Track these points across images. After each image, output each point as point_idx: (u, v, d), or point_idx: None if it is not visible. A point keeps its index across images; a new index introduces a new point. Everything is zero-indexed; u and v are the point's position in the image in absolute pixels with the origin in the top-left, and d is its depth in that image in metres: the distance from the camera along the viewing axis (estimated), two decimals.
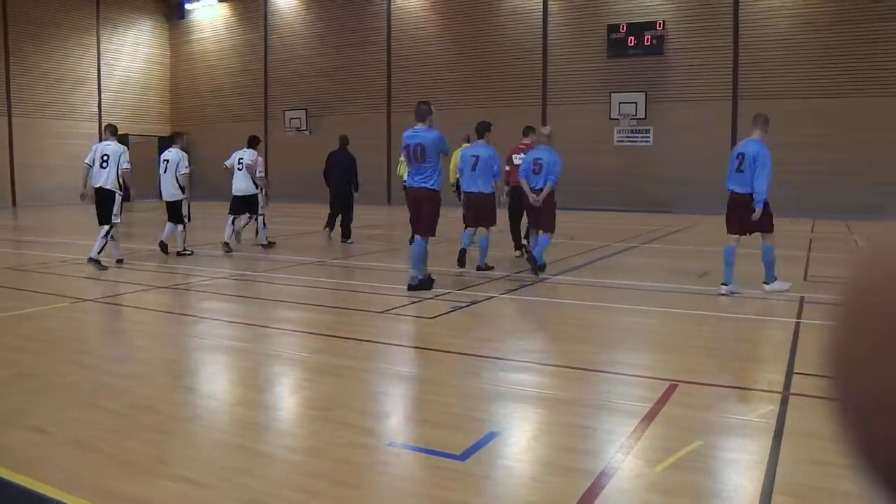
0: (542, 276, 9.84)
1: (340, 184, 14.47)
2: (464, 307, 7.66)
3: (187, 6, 36.29)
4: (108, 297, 8.28)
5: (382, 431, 4.12)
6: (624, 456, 3.65)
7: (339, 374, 5.26)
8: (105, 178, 11.21)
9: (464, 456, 3.62)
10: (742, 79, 24.82)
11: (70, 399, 4.58)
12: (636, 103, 25.85)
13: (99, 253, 10.80)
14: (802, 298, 8.24)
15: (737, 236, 8.75)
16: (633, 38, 25.88)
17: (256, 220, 13.81)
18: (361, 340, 6.27)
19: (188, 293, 8.87)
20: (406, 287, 8.58)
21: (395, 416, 4.43)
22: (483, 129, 10.58)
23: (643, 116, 25.81)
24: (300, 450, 3.86)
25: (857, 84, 23.11)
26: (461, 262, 10.00)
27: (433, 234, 8.79)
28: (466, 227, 10.43)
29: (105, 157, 11.32)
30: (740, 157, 8.45)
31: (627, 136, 25.99)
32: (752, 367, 5.55)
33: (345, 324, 7.07)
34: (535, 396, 4.76)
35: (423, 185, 8.63)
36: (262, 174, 13.78)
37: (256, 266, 11.18)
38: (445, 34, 30.07)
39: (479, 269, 10.25)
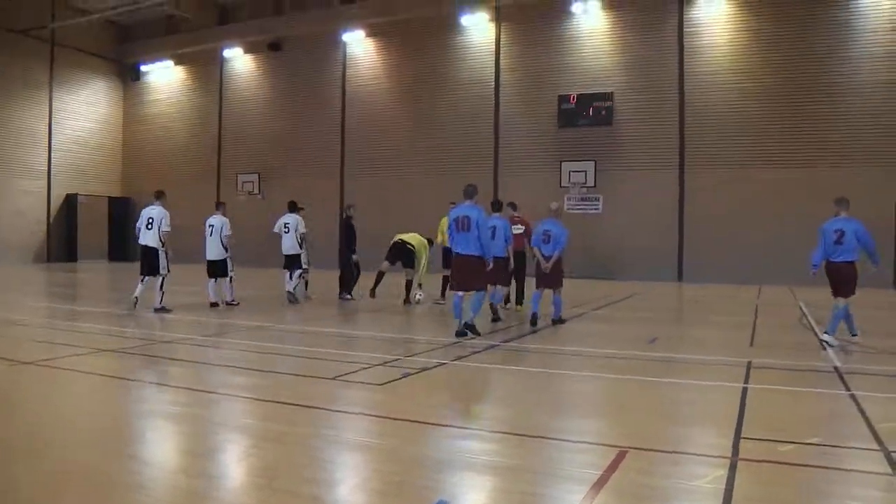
0: (494, 342, 9.85)
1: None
2: (414, 373, 7.60)
3: (143, 68, 36.35)
4: (48, 359, 8.03)
5: (330, 500, 4.03)
6: None
7: (286, 441, 5.15)
8: (150, 238, 13.29)
9: None
10: (688, 149, 25.54)
11: (4, 461, 4.40)
12: (586, 171, 26.40)
13: (161, 302, 13.05)
14: (749, 363, 8.35)
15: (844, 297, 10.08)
16: (582, 108, 26.53)
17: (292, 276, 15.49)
18: (309, 407, 6.16)
19: (132, 357, 8.66)
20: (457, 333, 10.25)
21: (343, 485, 4.34)
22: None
23: (593, 185, 26.32)
24: None
25: (803, 155, 23.95)
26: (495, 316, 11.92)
27: (483, 288, 10.58)
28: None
29: (150, 220, 13.39)
30: (839, 233, 10.11)
31: (577, 204, 26.42)
32: (700, 432, 5.58)
33: (292, 390, 6.96)
34: (484, 464, 4.71)
35: (469, 252, 10.22)
36: (304, 233, 15.68)
37: (204, 330, 10.98)
38: (399, 102, 30.52)
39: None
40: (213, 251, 15.00)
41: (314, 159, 31.98)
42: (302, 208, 16.31)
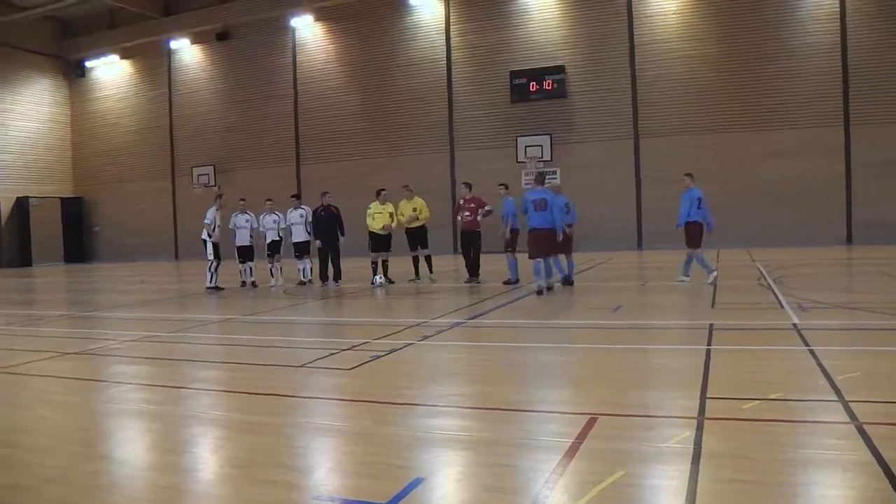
0: (459, 320, 9.93)
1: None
2: (382, 356, 7.63)
3: (87, 64, 35.58)
4: (10, 366, 7.91)
5: (307, 485, 4.05)
6: (549, 492, 3.68)
7: (259, 431, 5.15)
8: (202, 231, 16.77)
9: (391, 503, 3.59)
10: (642, 118, 25.78)
11: None
12: (542, 146, 26.52)
13: (212, 282, 16.42)
14: (711, 325, 8.52)
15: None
16: (534, 83, 26.60)
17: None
18: (280, 395, 6.16)
19: (96, 358, 8.56)
20: (538, 292, 12.66)
21: (319, 470, 4.36)
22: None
23: (549, 158, 26.46)
24: None
25: (753, 119, 24.31)
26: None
27: (554, 254, 13.18)
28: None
29: (204, 216, 16.75)
30: (700, 199, 13.48)
31: (532, 179, 26.49)
32: (667, 395, 5.69)
33: (261, 380, 6.94)
34: (457, 440, 4.76)
35: (545, 225, 12.65)
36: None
37: (167, 326, 10.88)
38: (351, 85, 30.35)
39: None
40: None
41: (269, 147, 31.70)
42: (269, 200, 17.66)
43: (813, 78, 23.75)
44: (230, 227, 17.03)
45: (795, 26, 24.00)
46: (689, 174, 13.86)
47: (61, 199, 35.21)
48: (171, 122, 34.08)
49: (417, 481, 3.91)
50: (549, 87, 26.53)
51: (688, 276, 13.58)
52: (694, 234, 13.39)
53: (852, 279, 15.30)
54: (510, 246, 14.67)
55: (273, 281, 16.85)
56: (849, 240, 23.56)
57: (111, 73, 35.49)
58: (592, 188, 25.65)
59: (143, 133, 34.70)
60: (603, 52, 26.30)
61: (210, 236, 16.59)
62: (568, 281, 13.97)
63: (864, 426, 4.47)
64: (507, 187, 15.09)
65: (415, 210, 15.80)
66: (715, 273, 13.18)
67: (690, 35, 25.22)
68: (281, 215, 17.07)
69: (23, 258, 33.15)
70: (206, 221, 16.69)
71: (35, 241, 33.52)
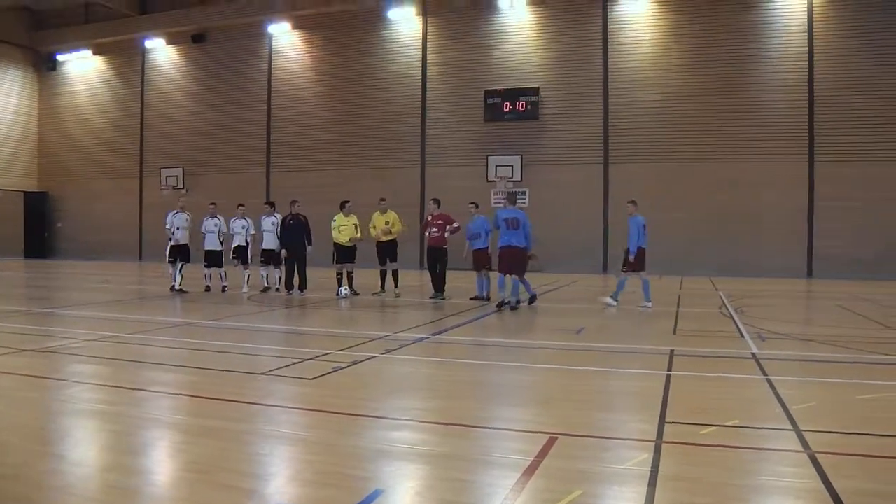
0: (423, 335, 9.95)
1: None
2: (345, 367, 7.62)
3: (59, 57, 35.14)
4: None
5: (266, 493, 4.04)
6: None
7: (218, 436, 5.12)
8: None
9: None
10: (612, 143, 26.08)
11: None
12: (512, 166, 26.68)
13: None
14: (672, 351, 8.63)
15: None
16: (508, 103, 26.80)
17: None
18: (240, 402, 6.12)
19: (54, 356, 8.44)
20: (498, 305, 13.46)
21: (278, 478, 4.35)
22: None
23: (519, 178, 26.64)
24: None
25: (721, 150, 24.73)
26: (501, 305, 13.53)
27: (523, 273, 13.53)
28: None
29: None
30: (645, 227, 14.12)
31: (504, 198, 26.66)
32: (626, 418, 5.76)
33: (222, 385, 6.90)
34: (417, 453, 4.78)
35: (516, 244, 13.24)
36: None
37: (128, 328, 10.75)
38: (326, 95, 30.34)
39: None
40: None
41: (240, 153, 31.50)
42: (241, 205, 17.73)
43: (780, 112, 24.26)
44: (200, 230, 16.93)
45: (765, 62, 24.52)
46: (632, 201, 14.39)
47: (25, 192, 34.65)
48: (141, 121, 33.76)
49: (377, 493, 3.92)
50: (523, 109, 26.75)
51: (650, 301, 13.86)
52: (642, 259, 13.90)
53: (811, 311, 15.59)
54: (484, 264, 14.80)
55: (245, 286, 16.65)
56: (809, 272, 24.01)
57: (83, 68, 35.08)
58: (561, 210, 25.86)
59: (113, 131, 34.30)
60: (577, 77, 26.61)
61: (170, 239, 16.84)
62: (530, 300, 14.06)
63: (817, 455, 4.57)
64: (477, 206, 15.23)
65: (387, 223, 15.79)
66: (650, 305, 13.81)
67: (663, 65, 25.63)
68: (250, 221, 16.99)
69: None
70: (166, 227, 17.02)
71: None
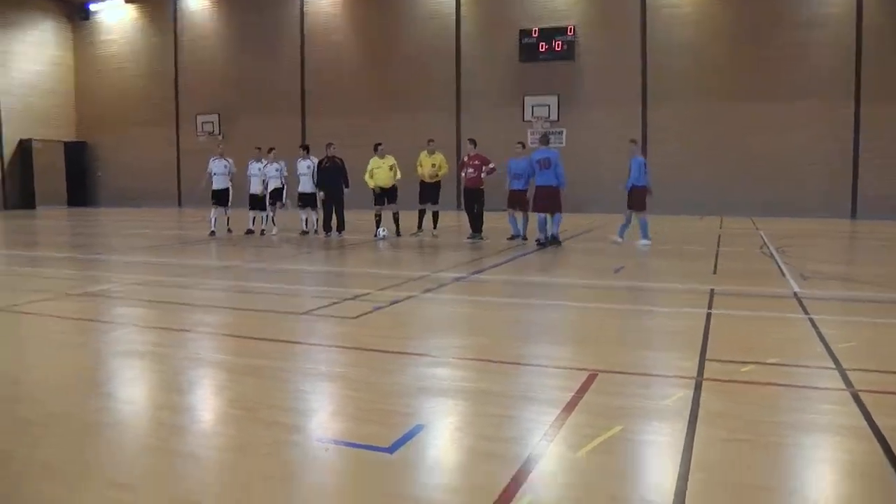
0: (462, 274, 9.99)
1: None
2: (385, 307, 7.69)
3: (91, 7, 35.12)
4: (14, 305, 7.97)
5: (309, 428, 4.12)
6: (547, 443, 3.75)
7: (262, 374, 5.22)
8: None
9: (392, 448, 3.66)
10: (650, 83, 25.56)
11: None
12: (549, 106, 26.32)
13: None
14: (712, 290, 8.57)
15: None
16: (544, 42, 26.31)
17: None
18: (283, 341, 6.22)
19: (100, 300, 8.63)
20: (538, 243, 13.82)
21: (322, 414, 4.42)
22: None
23: (556, 119, 26.30)
24: (227, 449, 3.82)
25: (762, 88, 24.08)
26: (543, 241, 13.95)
27: (558, 212, 13.85)
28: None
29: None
30: (646, 165, 14.60)
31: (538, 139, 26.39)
32: (666, 355, 5.75)
33: (264, 326, 7.01)
34: (458, 390, 4.82)
35: (549, 183, 13.70)
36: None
37: (168, 271, 10.92)
38: (359, 38, 30.03)
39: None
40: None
41: (275, 98, 31.43)
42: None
43: (826, 48, 23.48)
44: (247, 174, 17.13)
45: None
46: (633, 140, 15.20)
47: (64, 142, 35.05)
48: (176, 68, 33.74)
49: (418, 428, 3.98)
50: (559, 49, 26.25)
51: (623, 238, 14.49)
52: (641, 199, 14.26)
53: (854, 252, 15.31)
54: (518, 204, 14.88)
55: (276, 229, 16.92)
56: (853, 213, 23.53)
57: (116, 17, 35.03)
58: (598, 150, 25.51)
59: (148, 79, 34.35)
60: (614, 16, 25.96)
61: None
62: (555, 239, 14.09)
63: (859, 393, 4.53)
64: (524, 146, 15.42)
65: (433, 166, 15.75)
66: (649, 242, 14.01)
67: (702, 0, 24.89)
68: (284, 164, 17.07)
69: (26, 201, 33.05)
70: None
71: (38, 184, 33.33)
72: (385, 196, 15.90)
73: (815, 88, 23.48)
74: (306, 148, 17.24)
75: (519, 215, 15.03)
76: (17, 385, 5.02)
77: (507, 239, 14.86)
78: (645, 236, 14.07)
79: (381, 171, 15.72)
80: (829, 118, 23.37)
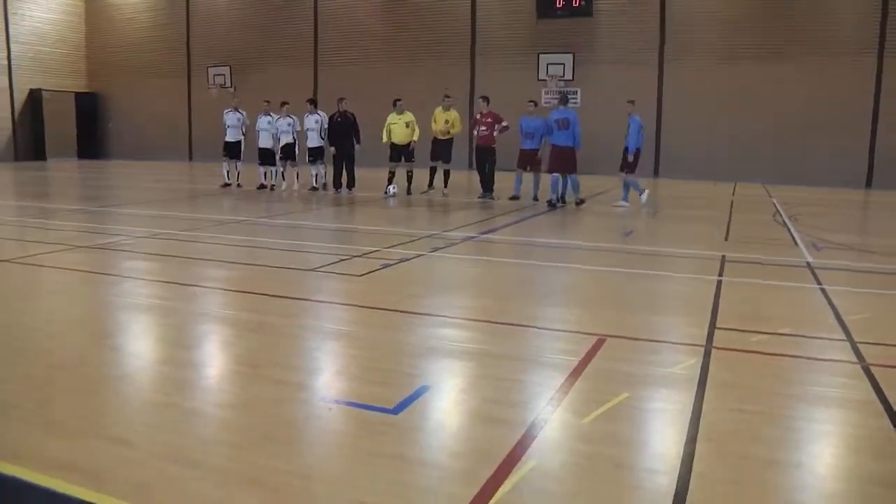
0: (471, 234, 9.93)
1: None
2: (393, 265, 7.65)
3: None
4: (22, 256, 7.97)
5: (314, 387, 4.10)
6: (553, 408, 3.72)
7: (268, 331, 5.20)
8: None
9: (396, 409, 3.64)
10: (668, 42, 25.16)
11: None
12: (564, 64, 25.97)
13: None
14: (724, 257, 8.48)
15: None
16: None
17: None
18: (289, 298, 6.20)
19: (108, 252, 8.62)
20: (549, 204, 13.82)
21: (326, 372, 4.41)
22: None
23: (571, 78, 25.96)
24: (231, 406, 3.81)
25: (781, 49, 23.63)
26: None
27: (572, 172, 13.96)
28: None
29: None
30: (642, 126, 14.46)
31: (555, 97, 26.10)
32: (676, 322, 5.70)
33: (272, 281, 6.98)
34: (464, 351, 4.79)
35: (566, 143, 13.62)
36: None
37: (179, 225, 10.90)
38: None
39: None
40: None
41: (287, 50, 31.12)
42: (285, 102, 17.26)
43: (848, 7, 22.90)
44: (255, 128, 17.02)
45: None
46: (631, 101, 14.85)
47: (75, 93, 34.84)
48: (187, 19, 33.37)
49: (423, 389, 3.96)
50: (577, 5, 25.81)
51: (628, 200, 14.40)
52: (636, 161, 14.24)
53: (869, 221, 15.14)
54: (529, 164, 14.85)
55: (285, 184, 16.85)
56: (868, 183, 23.20)
57: None
58: (613, 111, 25.14)
59: (160, 29, 34.01)
60: None
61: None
62: (578, 200, 14.25)
63: (870, 367, 4.47)
64: (536, 104, 15.44)
65: (446, 122, 15.54)
66: (647, 191, 14.44)
67: None
68: (296, 118, 16.89)
69: (37, 152, 32.96)
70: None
71: (49, 135, 33.18)
72: (401, 153, 15.76)
73: (832, 47, 22.95)
74: (314, 102, 17.05)
75: (528, 176, 14.89)
76: (24, 337, 5.02)
77: (509, 199, 14.74)
78: (625, 199, 14.31)
79: (397, 127, 15.58)
80: (844, 76, 22.87)
